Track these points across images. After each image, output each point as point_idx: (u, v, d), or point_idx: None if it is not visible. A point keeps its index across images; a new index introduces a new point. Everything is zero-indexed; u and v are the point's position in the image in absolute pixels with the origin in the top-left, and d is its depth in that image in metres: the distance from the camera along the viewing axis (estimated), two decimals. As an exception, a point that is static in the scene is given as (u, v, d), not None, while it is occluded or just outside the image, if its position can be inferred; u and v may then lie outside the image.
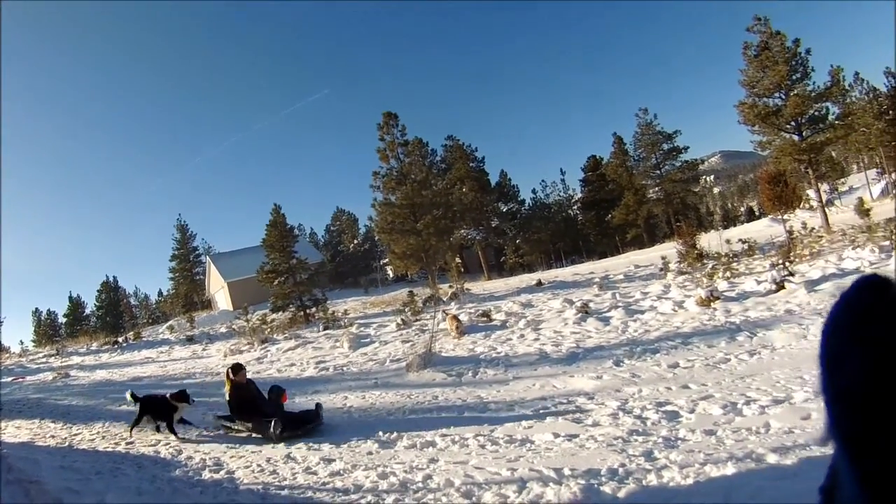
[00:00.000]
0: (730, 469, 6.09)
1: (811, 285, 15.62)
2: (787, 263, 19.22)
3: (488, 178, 64.13)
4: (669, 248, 32.22)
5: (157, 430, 11.41)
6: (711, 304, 15.94)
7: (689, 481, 5.98)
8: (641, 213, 59.91)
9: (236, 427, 10.77)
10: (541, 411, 9.65)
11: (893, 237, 19.12)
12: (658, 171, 60.85)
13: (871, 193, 52.54)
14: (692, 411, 8.41)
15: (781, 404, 7.97)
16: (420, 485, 6.95)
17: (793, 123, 31.87)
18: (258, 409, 10.56)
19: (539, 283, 30.46)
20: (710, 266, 22.13)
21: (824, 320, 0.84)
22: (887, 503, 0.72)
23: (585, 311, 17.94)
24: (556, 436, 8.15)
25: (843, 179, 65.48)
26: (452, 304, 26.45)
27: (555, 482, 6.41)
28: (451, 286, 33.26)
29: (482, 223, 61.90)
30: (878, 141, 47.57)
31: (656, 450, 7.03)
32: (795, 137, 31.97)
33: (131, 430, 11.48)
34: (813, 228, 26.28)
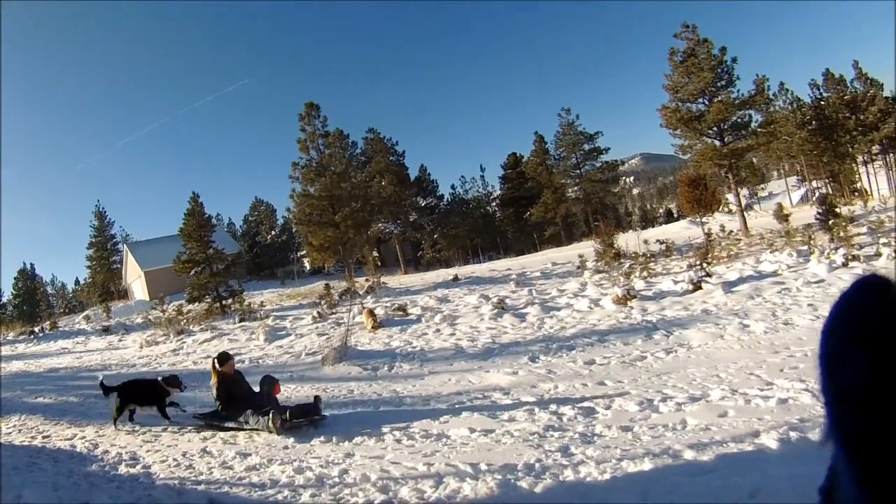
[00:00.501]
0: (646, 465, 6.19)
1: (728, 286, 16.24)
2: (705, 264, 19.85)
3: (408, 172, 64.23)
4: (587, 247, 32.87)
5: (131, 418, 10.94)
6: (628, 302, 16.39)
7: (606, 476, 6.05)
8: (560, 212, 61.08)
9: (228, 425, 9.83)
10: (456, 406, 9.69)
11: (811, 241, 19.88)
12: (578, 171, 62.33)
13: (790, 199, 54.91)
14: (608, 408, 8.53)
15: (698, 402, 8.18)
16: (336, 479, 6.92)
17: (715, 129, 32.92)
18: (251, 403, 9.74)
19: (456, 279, 30.54)
20: (627, 265, 22.65)
21: (824, 320, 0.85)
22: (887, 503, 0.73)
23: (502, 307, 18.15)
24: (472, 431, 8.18)
25: (763, 185, 68.60)
26: (369, 297, 26.43)
27: (471, 477, 6.44)
28: (367, 280, 33.16)
29: (400, 217, 61.88)
30: (799, 149, 50.01)
31: (573, 445, 7.11)
32: (717, 143, 33.06)
33: (115, 421, 10.79)
34: (731, 231, 27.17)
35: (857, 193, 43.26)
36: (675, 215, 78.57)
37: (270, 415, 9.12)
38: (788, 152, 52.30)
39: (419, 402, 10.32)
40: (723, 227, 27.88)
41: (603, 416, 8.22)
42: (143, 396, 10.83)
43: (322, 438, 8.71)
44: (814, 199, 39.35)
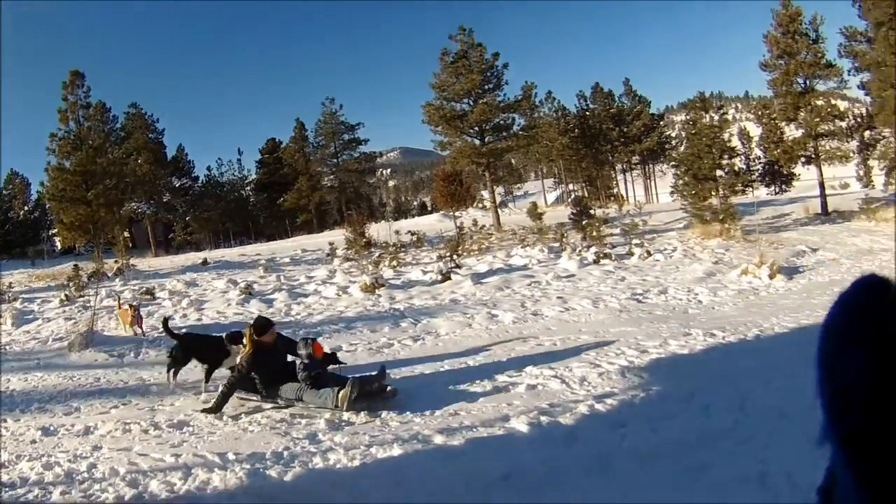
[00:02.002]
0: (396, 450, 6.28)
1: (478, 278, 17.18)
2: (455, 256, 20.57)
3: (165, 150, 61.83)
4: (338, 235, 32.93)
5: (175, 375, 10.03)
6: (376, 290, 16.74)
7: (356, 463, 6.11)
8: (314, 199, 61.16)
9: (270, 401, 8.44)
10: (203, 393, 9.37)
11: (563, 238, 21.21)
12: (335, 160, 62.91)
13: (545, 199, 59.23)
14: (355, 394, 8.47)
15: (446, 388, 8.40)
16: (86, 475, 6.54)
17: (476, 128, 34.21)
18: (291, 375, 8.35)
19: (205, 262, 29.55)
20: (377, 254, 22.95)
21: (823, 320, 0.85)
22: (886, 503, 0.73)
23: (249, 293, 17.91)
24: (219, 418, 7.99)
25: (519, 185, 72.74)
26: (117, 280, 24.86)
27: (220, 468, 6.31)
28: (116, 261, 31.26)
29: (154, 197, 59.06)
30: (559, 154, 54.22)
31: (320, 432, 7.09)
32: (476, 141, 34.33)
33: (172, 375, 9.96)
34: (484, 226, 28.33)
35: (613, 198, 46.92)
36: (429, 208, 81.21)
37: (348, 386, 7.69)
38: (548, 156, 56.62)
39: (165, 389, 9.86)
40: (475, 222, 29.09)
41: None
42: (205, 353, 9.94)
43: (69, 430, 8.13)
44: (569, 200, 42.09)
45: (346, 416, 7.60)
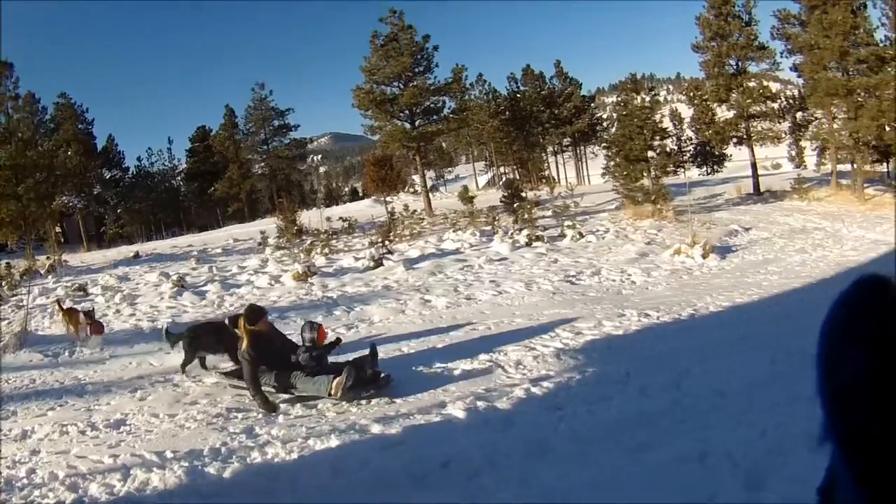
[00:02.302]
0: (334, 441, 6.27)
1: (410, 263, 17.34)
2: (387, 242, 20.66)
3: (95, 141, 60.02)
4: (270, 224, 32.70)
5: (204, 366, 9.94)
6: (308, 278, 16.74)
7: (294, 456, 6.09)
8: (245, 187, 60.44)
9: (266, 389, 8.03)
10: (138, 391, 9.18)
11: (495, 222, 21.39)
12: (266, 147, 62.15)
13: (476, 183, 59.23)
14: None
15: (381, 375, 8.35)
16: (25, 481, 6.38)
17: (407, 112, 34.25)
18: (295, 365, 8.16)
19: (136, 256, 28.96)
20: (308, 242, 22.84)
21: (823, 319, 0.87)
22: (885, 502, 0.75)
23: (181, 285, 17.62)
24: (156, 416, 7.83)
25: (450, 168, 72.83)
26: (50, 277, 24.22)
27: (158, 467, 6.20)
28: (48, 258, 30.39)
29: (84, 190, 57.33)
30: (490, 136, 54.38)
31: (257, 426, 7.05)
32: (407, 125, 34.30)
33: (183, 369, 9.71)
34: (415, 211, 28.35)
35: (544, 180, 47.24)
36: (361, 194, 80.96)
37: (344, 373, 7.52)
38: (479, 139, 56.92)
39: (101, 388, 9.64)
40: (407, 207, 29.13)
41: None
42: (211, 342, 9.86)
43: (6, 435, 7.87)
44: (500, 183, 42.35)
45: (283, 406, 7.62)
